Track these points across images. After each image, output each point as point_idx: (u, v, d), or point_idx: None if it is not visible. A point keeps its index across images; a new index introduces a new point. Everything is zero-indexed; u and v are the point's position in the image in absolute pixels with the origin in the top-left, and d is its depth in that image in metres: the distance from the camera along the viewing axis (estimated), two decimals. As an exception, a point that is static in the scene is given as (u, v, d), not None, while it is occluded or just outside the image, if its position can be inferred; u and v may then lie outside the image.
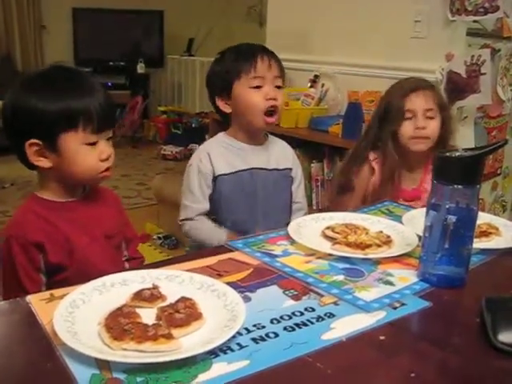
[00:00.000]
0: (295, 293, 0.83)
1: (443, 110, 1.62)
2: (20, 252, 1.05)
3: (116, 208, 1.25)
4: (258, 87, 1.44)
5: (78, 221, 1.12)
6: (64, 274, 1.07)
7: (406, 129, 1.59)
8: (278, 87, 1.48)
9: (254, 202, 1.50)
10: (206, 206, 1.50)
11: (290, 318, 0.75)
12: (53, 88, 1.06)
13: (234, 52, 1.49)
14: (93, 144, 1.08)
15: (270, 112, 1.46)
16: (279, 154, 1.58)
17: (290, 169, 1.59)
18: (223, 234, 1.47)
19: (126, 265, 1.23)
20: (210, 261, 0.94)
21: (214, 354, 0.65)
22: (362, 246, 0.98)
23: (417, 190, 1.64)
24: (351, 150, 1.78)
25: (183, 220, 1.52)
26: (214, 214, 1.52)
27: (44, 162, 1.08)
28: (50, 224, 1.08)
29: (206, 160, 1.48)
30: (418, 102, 1.58)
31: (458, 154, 0.85)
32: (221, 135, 1.56)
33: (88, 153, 1.08)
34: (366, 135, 1.73)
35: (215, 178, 1.48)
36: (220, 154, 1.50)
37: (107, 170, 1.12)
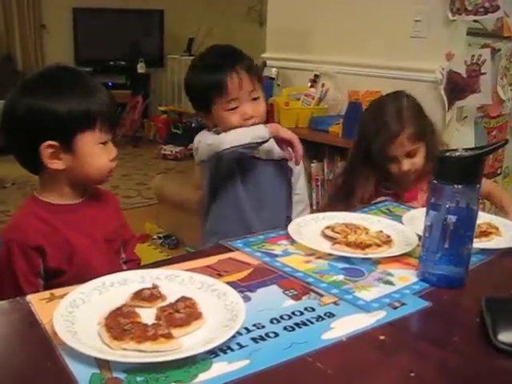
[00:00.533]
0: (295, 292, 0.83)
1: (425, 137, 1.58)
2: (20, 256, 1.05)
3: (115, 210, 1.25)
4: (233, 109, 1.41)
5: (80, 223, 1.12)
6: (62, 279, 1.06)
7: (392, 170, 1.59)
8: (255, 99, 1.44)
9: (256, 192, 1.50)
10: None
11: (290, 317, 0.75)
12: (70, 89, 1.06)
13: (203, 70, 1.44)
14: (104, 143, 1.11)
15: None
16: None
17: (286, 160, 1.56)
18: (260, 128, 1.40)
19: (124, 267, 1.22)
20: (210, 260, 0.94)
21: (213, 353, 0.65)
22: (362, 246, 0.98)
23: (412, 192, 1.62)
24: (337, 182, 1.73)
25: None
26: (214, 199, 1.51)
27: (58, 164, 1.07)
28: (51, 227, 1.08)
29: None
30: (397, 150, 1.55)
31: (458, 153, 0.84)
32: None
33: (101, 152, 1.10)
34: (353, 172, 1.66)
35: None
36: None
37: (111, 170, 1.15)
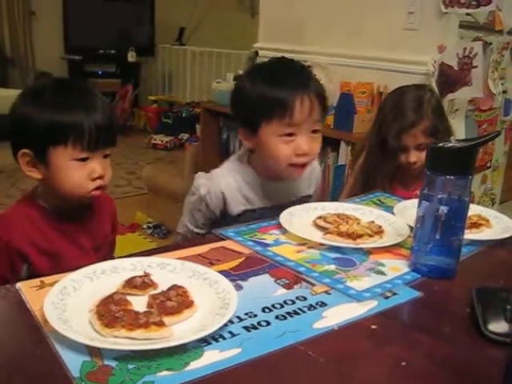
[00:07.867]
0: (287, 282, 0.83)
1: (439, 135, 1.56)
2: (3, 255, 1.03)
3: (109, 215, 1.22)
4: (290, 134, 1.18)
5: (71, 233, 1.10)
6: None
7: (400, 159, 1.59)
8: (315, 131, 1.21)
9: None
10: (205, 231, 1.32)
11: (282, 306, 0.75)
12: (49, 101, 1.03)
13: (269, 82, 1.19)
14: (83, 160, 1.03)
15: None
16: (305, 181, 1.38)
17: (311, 196, 1.41)
18: None
19: None
20: (202, 249, 0.94)
21: (205, 341, 0.65)
22: (354, 236, 0.98)
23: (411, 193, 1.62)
24: (359, 176, 1.70)
25: (180, 233, 1.37)
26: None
27: (35, 173, 1.05)
28: (41, 233, 1.06)
29: (218, 199, 1.26)
30: (409, 141, 1.56)
31: (450, 144, 0.85)
32: (238, 164, 1.31)
33: (76, 168, 1.03)
34: (369, 162, 1.67)
35: (224, 214, 1.29)
36: (236, 192, 1.28)
37: (99, 188, 1.07)
